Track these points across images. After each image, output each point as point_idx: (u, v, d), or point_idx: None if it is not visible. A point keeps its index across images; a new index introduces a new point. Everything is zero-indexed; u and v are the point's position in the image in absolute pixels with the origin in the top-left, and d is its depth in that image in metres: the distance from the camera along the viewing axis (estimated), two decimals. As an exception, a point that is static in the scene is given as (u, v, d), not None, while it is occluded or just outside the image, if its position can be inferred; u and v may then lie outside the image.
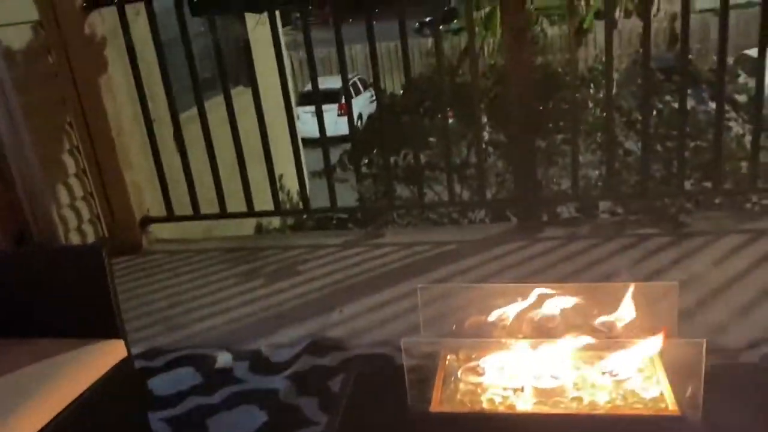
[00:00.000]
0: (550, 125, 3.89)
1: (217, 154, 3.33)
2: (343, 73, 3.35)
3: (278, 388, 2.13)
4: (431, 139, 4.25)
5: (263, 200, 3.48)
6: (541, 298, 1.22)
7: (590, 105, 4.10)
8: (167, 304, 2.85)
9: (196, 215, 3.46)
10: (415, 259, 3.02)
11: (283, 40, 5.54)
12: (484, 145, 4.63)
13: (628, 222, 3.21)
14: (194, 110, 3.29)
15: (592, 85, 4.20)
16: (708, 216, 3.13)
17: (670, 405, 0.99)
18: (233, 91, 3.29)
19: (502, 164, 4.25)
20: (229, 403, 2.09)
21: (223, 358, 2.37)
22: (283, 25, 7.89)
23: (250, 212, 3.47)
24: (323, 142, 3.27)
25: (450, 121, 4.13)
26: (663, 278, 2.59)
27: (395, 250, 3.17)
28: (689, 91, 4.11)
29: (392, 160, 3.94)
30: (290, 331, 2.49)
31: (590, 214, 3.54)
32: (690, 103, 3.90)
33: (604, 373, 1.08)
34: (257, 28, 4.28)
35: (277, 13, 3.60)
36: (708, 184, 3.21)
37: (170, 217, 3.49)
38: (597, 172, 3.84)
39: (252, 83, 3.25)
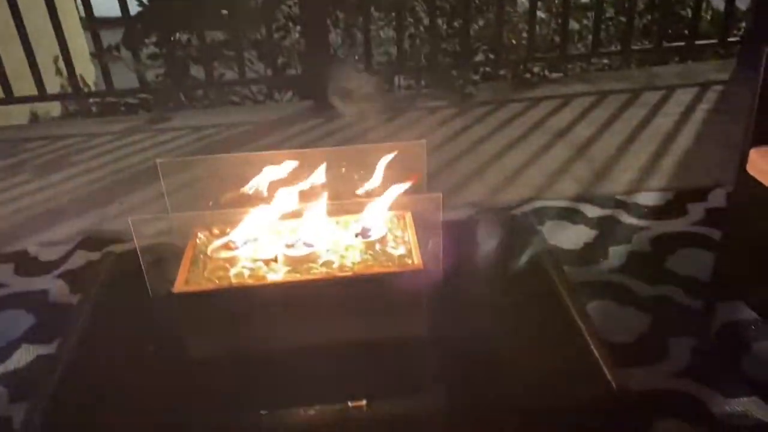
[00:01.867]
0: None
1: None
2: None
3: (47, 288, 1.93)
4: (224, 12, 3.93)
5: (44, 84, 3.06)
6: (300, 166, 1.17)
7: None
8: None
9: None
10: (204, 143, 2.85)
11: None
12: (284, 20, 4.40)
13: (420, 95, 3.26)
14: None
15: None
16: (492, 87, 3.27)
17: (416, 260, 1.00)
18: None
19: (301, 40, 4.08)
20: (-11, 311, 1.87)
21: (-19, 263, 2.10)
22: None
23: (8, 98, 3.02)
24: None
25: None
26: (449, 147, 2.70)
27: (183, 134, 2.96)
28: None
29: (185, 38, 3.62)
30: (62, 228, 2.25)
31: (386, 90, 3.54)
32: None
33: (356, 235, 1.07)
34: None
35: None
36: (492, 56, 3.33)
37: None
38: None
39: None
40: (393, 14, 3.78)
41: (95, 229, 2.22)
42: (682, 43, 3.20)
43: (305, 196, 1.15)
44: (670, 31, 3.39)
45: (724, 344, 1.57)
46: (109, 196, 2.44)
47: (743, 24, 3.36)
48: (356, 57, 3.97)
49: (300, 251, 1.04)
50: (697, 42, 3.14)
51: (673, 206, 2.18)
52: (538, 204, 2.23)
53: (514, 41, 3.61)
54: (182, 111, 3.36)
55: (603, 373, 0.93)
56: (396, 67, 3.34)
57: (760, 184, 1.40)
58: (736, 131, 1.55)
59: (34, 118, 4.35)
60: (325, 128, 2.93)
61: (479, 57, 3.50)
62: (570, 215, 2.16)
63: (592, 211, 2.17)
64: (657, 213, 2.14)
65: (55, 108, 4.49)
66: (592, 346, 0.98)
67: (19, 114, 3.99)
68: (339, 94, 2.98)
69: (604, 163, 2.48)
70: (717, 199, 2.18)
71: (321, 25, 3.11)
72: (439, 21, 3.64)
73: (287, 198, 1.13)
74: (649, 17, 3.53)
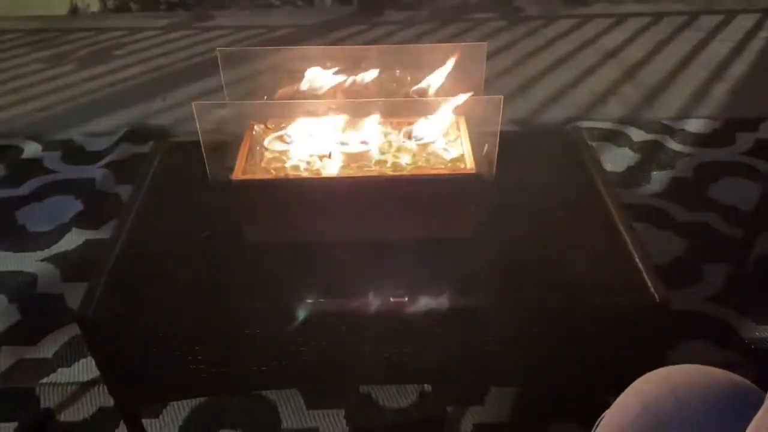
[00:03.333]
0: None
1: None
2: None
3: (94, 177, 1.99)
4: None
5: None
6: (356, 64, 1.16)
7: None
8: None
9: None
10: (247, 44, 2.82)
11: None
12: None
13: (468, 6, 3.16)
14: None
15: None
16: (545, 2, 3.15)
17: (468, 164, 1.01)
18: None
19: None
20: (40, 194, 1.94)
21: (31, 148, 2.16)
22: None
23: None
24: None
25: None
26: (495, 61, 2.64)
27: (226, 34, 2.93)
28: None
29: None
30: (107, 120, 2.29)
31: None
32: None
33: (411, 137, 1.08)
34: None
35: None
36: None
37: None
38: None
39: None
40: None
41: (139, 123, 2.25)
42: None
43: (360, 94, 1.15)
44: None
45: (761, 273, 1.58)
46: (153, 90, 2.46)
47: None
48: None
49: (354, 149, 1.05)
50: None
51: (720, 134, 2.13)
52: (583, 124, 2.20)
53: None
54: (223, 10, 3.30)
55: (646, 283, 0.95)
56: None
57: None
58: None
59: (74, 10, 4.31)
60: (368, 35, 2.88)
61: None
62: (615, 137, 2.13)
63: (637, 135, 2.14)
64: (704, 140, 2.10)
65: (94, 2, 4.45)
66: (637, 258, 0.99)
67: (59, 4, 3.96)
68: None
69: (653, 87, 2.42)
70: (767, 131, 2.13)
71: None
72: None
73: (343, 96, 1.13)
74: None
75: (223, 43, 2.83)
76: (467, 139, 1.06)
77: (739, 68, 2.51)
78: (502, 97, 0.97)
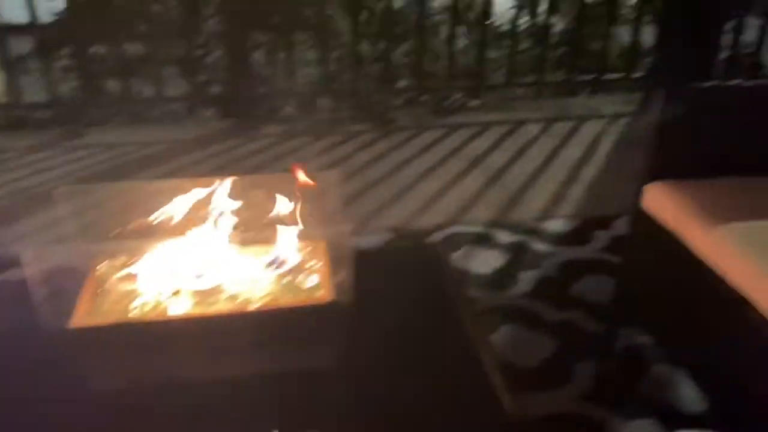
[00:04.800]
0: (279, 19, 3.75)
1: None
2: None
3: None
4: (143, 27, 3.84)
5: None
6: (211, 193, 1.16)
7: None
8: None
9: None
10: (117, 162, 2.76)
11: None
12: (207, 37, 4.33)
13: (343, 118, 3.29)
14: None
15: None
16: (413, 113, 3.33)
17: (325, 293, 1.01)
18: None
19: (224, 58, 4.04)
20: None
21: None
22: None
23: None
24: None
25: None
26: (370, 171, 2.73)
27: (96, 152, 2.86)
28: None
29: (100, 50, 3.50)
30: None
31: (309, 111, 3.55)
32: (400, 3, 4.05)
33: (267, 266, 1.07)
34: None
35: None
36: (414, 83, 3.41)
37: None
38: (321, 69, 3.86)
39: None
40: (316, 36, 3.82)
41: (-6, 251, 2.11)
42: (592, 77, 3.37)
43: (214, 225, 1.14)
44: (581, 64, 3.57)
45: (625, 368, 1.65)
46: (13, 215, 2.32)
47: (648, 59, 3.56)
48: (280, 77, 3.96)
49: (205, 284, 1.03)
50: (605, 77, 3.32)
51: (579, 233, 2.28)
52: (454, 229, 2.29)
53: (436, 67, 3.70)
54: (97, 128, 3.24)
55: (498, 400, 0.96)
56: (319, 90, 3.35)
57: (654, 219, 1.49)
58: (639, 163, 1.64)
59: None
60: (245, 149, 2.90)
61: (402, 83, 3.57)
62: (483, 241, 2.22)
63: (504, 237, 2.25)
64: (565, 239, 2.24)
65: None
66: (490, 374, 1.01)
67: None
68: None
69: (516, 190, 2.58)
70: (620, 227, 2.30)
71: (243, 43, 3.08)
72: (363, 45, 3.69)
73: (194, 228, 1.11)
74: (562, 50, 3.70)
75: (90, 163, 2.75)
76: (324, 266, 1.07)
77: (590, 170, 2.73)
78: (352, 225, 0.99)
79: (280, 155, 2.86)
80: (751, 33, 3.03)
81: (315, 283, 1.05)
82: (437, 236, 2.25)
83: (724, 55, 3.17)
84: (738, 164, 1.54)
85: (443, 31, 3.76)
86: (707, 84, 1.51)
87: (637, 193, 1.54)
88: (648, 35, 3.46)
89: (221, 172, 2.67)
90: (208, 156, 2.83)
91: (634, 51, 3.32)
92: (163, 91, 3.16)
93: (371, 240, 2.20)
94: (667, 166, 1.51)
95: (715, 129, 1.53)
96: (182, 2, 3.86)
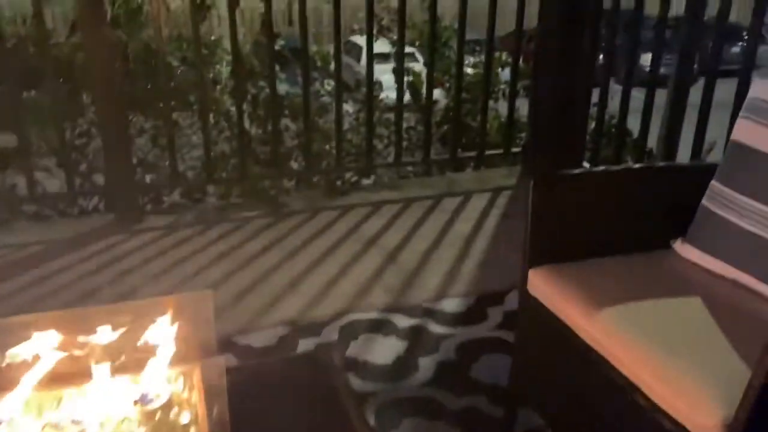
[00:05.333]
0: (162, 104, 3.66)
1: None
2: None
3: None
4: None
5: None
6: (70, 330, 1.06)
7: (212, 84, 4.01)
8: None
9: None
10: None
11: None
12: (87, 126, 4.18)
13: (233, 205, 3.21)
14: None
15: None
16: (305, 195, 3.32)
17: (200, 429, 0.93)
18: None
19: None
20: None
21: None
22: None
23: None
24: None
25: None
26: (263, 259, 2.66)
27: (-43, 258, 2.62)
28: (283, 75, 4.33)
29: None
30: None
31: (196, 199, 3.45)
32: (285, 87, 4.11)
33: (135, 403, 0.98)
34: None
35: None
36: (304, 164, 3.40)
37: None
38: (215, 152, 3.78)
39: None
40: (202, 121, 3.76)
41: None
42: (474, 153, 3.51)
43: (74, 362, 1.04)
44: (463, 140, 3.72)
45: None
46: None
47: (524, 134, 3.76)
48: (164, 164, 3.85)
49: (69, 429, 0.92)
50: (487, 152, 3.47)
51: (474, 311, 2.30)
52: (351, 317, 2.25)
53: (327, 147, 3.74)
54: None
55: None
56: (206, 176, 3.27)
57: (540, 302, 1.52)
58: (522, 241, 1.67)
59: None
60: (126, 246, 2.75)
61: (292, 165, 3.57)
62: (381, 327, 2.20)
63: (402, 321, 2.23)
64: (461, 319, 2.25)
65: None
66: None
67: None
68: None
69: (411, 270, 2.58)
70: (512, 301, 2.34)
71: (122, 129, 2.96)
72: (251, 128, 3.68)
73: (52, 367, 1.01)
74: (446, 127, 3.85)
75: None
76: (200, 397, 0.99)
77: (481, 244, 2.80)
78: (223, 359, 0.92)
79: (165, 249, 2.73)
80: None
81: (189, 418, 0.96)
82: (334, 326, 2.20)
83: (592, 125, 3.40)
84: (614, 244, 1.61)
85: (332, 112, 3.83)
86: (576, 171, 1.59)
87: (521, 280, 1.57)
88: (525, 108, 3.67)
89: (102, 273, 2.52)
90: (89, 255, 2.66)
91: (510, 126, 3.49)
92: (34, 187, 2.96)
93: (263, 337, 2.12)
94: (545, 251, 1.55)
95: (587, 211, 1.61)
96: (59, 88, 3.72)
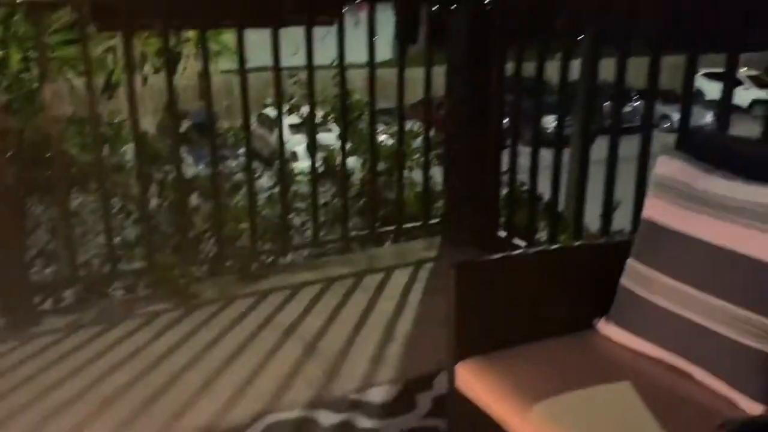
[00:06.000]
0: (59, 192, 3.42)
1: None
2: None
3: None
4: None
5: None
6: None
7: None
8: None
9: None
10: None
11: None
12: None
13: (138, 300, 3.00)
14: None
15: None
16: (218, 282, 3.14)
17: None
18: None
19: None
20: None
21: None
22: None
23: None
24: None
25: None
26: (174, 358, 2.47)
27: None
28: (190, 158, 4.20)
29: None
30: None
31: (101, 294, 3.21)
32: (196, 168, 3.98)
33: None
34: None
35: None
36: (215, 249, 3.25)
37: None
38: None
39: None
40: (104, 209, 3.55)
41: None
42: (392, 227, 3.47)
43: None
44: (382, 213, 3.67)
45: None
46: None
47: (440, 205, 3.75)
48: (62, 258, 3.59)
49: None
50: (405, 225, 3.44)
51: (403, 399, 2.19)
52: (272, 418, 2.10)
53: (241, 226, 3.59)
54: None
55: None
56: (110, 268, 3.05)
57: (468, 398, 1.43)
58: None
59: None
60: (18, 354, 2.49)
61: (203, 250, 3.41)
62: (305, 426, 2.05)
63: (327, 418, 2.09)
64: (389, 409, 2.14)
65: None
66: None
67: None
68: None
69: (334, 358, 2.46)
70: (441, 385, 2.24)
71: (14, 223, 2.72)
72: (158, 213, 3.51)
73: None
74: (361, 202, 3.81)
75: None
76: None
77: (405, 323, 2.71)
78: None
79: (63, 355, 2.49)
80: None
81: None
82: (254, 430, 2.03)
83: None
84: (540, 327, 1.57)
85: (243, 191, 3.71)
86: (495, 257, 1.55)
87: (450, 375, 1.49)
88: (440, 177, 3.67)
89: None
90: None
91: (427, 197, 3.49)
92: None
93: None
94: (471, 343, 1.48)
95: (509, 297, 1.56)
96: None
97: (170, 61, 4.56)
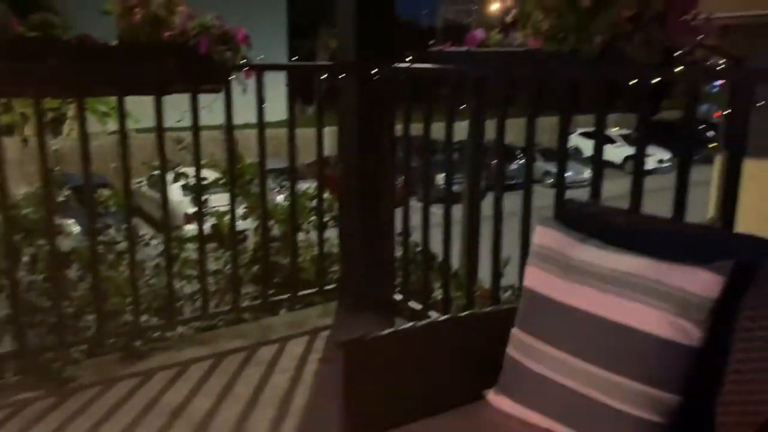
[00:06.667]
0: None
1: None
2: None
3: None
4: None
5: None
6: None
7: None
8: None
9: None
10: None
11: None
12: None
13: (5, 387, 2.72)
14: None
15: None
16: (98, 363, 2.91)
17: None
18: None
19: None
20: None
21: None
22: None
23: None
24: None
25: None
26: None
27: None
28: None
29: None
30: None
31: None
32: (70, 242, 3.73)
33: None
34: None
35: None
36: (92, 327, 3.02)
37: None
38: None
39: None
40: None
41: None
42: (287, 295, 3.38)
43: None
44: (276, 279, 3.57)
45: None
46: None
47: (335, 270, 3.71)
48: None
49: None
50: (300, 293, 3.36)
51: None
52: None
53: (125, 301, 3.37)
54: None
55: None
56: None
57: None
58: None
59: None
60: None
61: (83, 325, 3.16)
62: None
63: None
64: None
65: None
66: None
67: None
68: None
69: (225, 442, 2.32)
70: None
71: None
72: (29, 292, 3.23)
73: None
74: (255, 268, 3.70)
75: None
76: None
77: (301, 398, 2.61)
78: None
79: None
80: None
81: None
82: None
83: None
84: (431, 401, 1.54)
85: (125, 262, 3.50)
86: (384, 333, 1.52)
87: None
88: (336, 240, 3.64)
89: None
90: None
91: (321, 261, 3.44)
92: None
93: None
94: (363, 424, 1.43)
95: (399, 373, 1.53)
96: None
97: (56, 122, 4.31)
